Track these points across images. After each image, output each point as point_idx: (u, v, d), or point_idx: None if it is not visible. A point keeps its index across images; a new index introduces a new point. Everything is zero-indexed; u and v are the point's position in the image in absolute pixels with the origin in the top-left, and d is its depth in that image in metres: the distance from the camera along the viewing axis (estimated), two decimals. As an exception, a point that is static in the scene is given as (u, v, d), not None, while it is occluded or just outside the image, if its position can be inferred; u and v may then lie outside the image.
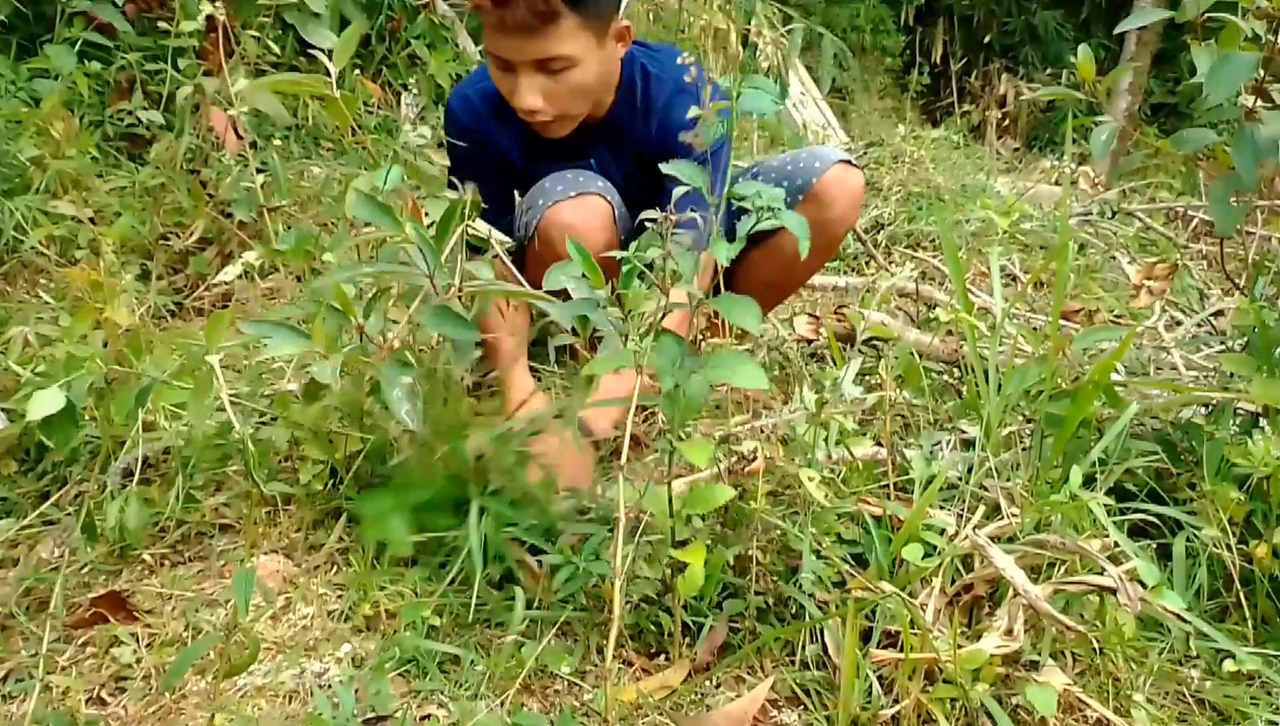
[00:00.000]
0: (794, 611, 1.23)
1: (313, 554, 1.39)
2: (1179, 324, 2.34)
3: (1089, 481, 1.35)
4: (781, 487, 1.37)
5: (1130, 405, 1.42)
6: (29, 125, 2.11)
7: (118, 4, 2.45)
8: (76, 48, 2.40)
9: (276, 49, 2.43)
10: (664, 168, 1.09)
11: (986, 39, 8.11)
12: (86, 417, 1.48)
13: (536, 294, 1.23)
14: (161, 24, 2.46)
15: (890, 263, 2.97)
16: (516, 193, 1.65)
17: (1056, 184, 4.05)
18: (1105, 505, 1.28)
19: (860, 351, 2.07)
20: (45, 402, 1.22)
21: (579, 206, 1.64)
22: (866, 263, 2.98)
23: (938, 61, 8.09)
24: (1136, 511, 1.37)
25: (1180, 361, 1.94)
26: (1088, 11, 8.04)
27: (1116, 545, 1.23)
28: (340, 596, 1.30)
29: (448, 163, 1.83)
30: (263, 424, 1.57)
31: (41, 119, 2.10)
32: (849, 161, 1.80)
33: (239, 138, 2.05)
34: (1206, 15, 1.46)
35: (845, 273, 2.91)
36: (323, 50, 1.83)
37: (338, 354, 1.17)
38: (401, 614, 1.24)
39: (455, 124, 1.76)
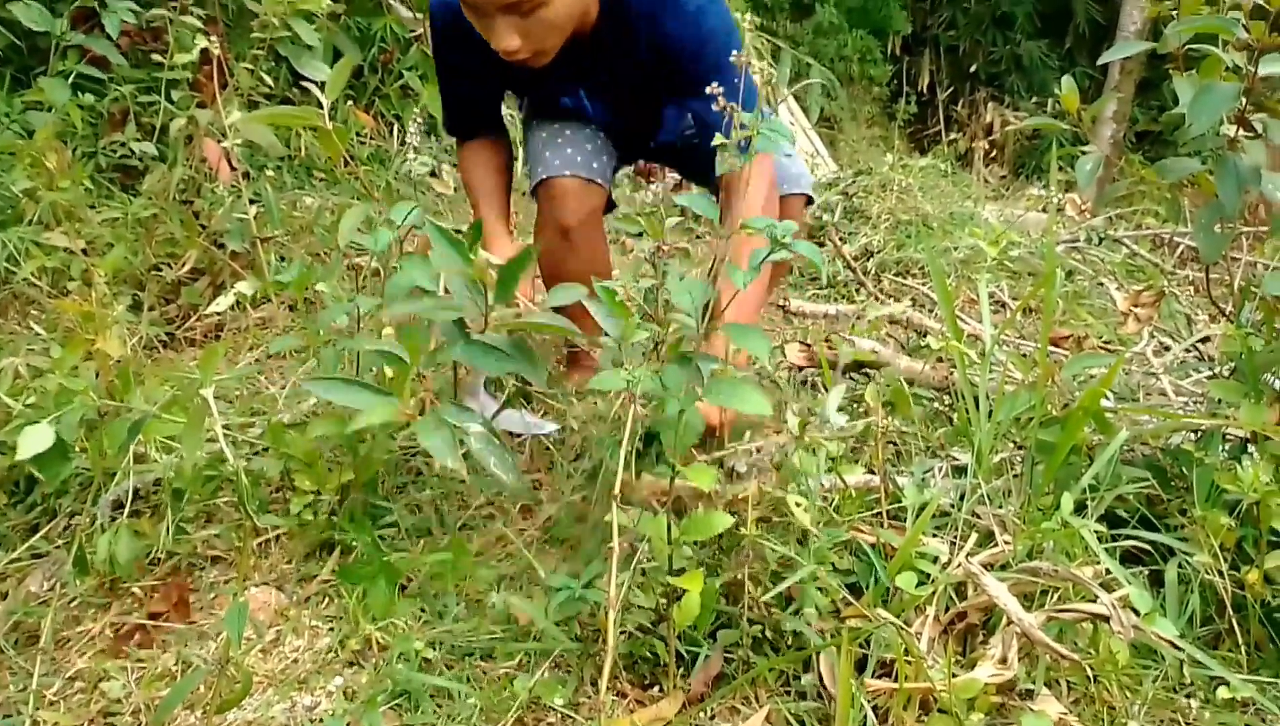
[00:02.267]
0: (789, 641, 1.23)
1: (304, 586, 1.38)
2: (1167, 350, 2.36)
3: (1080, 508, 1.36)
4: (774, 514, 1.38)
5: (1120, 431, 1.42)
6: (22, 157, 2.12)
7: (112, 37, 2.47)
8: (70, 80, 2.41)
9: (270, 81, 2.45)
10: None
11: (972, 68, 8.22)
12: (77, 449, 1.47)
13: (560, 326, 1.27)
14: (155, 57, 2.47)
15: (880, 290, 2.99)
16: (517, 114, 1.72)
17: (1044, 211, 4.09)
18: (1097, 532, 1.28)
19: (852, 378, 2.08)
20: (35, 440, 1.21)
21: (578, 196, 1.74)
22: (856, 290, 3.00)
23: (924, 90, 8.19)
24: (1128, 538, 1.37)
25: (1169, 387, 1.95)
26: (1072, 41, 8.16)
27: (1109, 572, 1.23)
28: (331, 629, 1.30)
29: (445, 192, 1.86)
30: (254, 454, 1.57)
31: (35, 151, 2.11)
32: (808, 196, 1.90)
33: (232, 169, 2.06)
34: (1188, 45, 1.49)
35: (835, 300, 2.93)
36: (316, 82, 1.85)
37: (441, 422, 1.15)
38: (393, 646, 1.24)
39: (439, 25, 1.75)
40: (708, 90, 1.10)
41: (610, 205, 1.90)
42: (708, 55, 1.59)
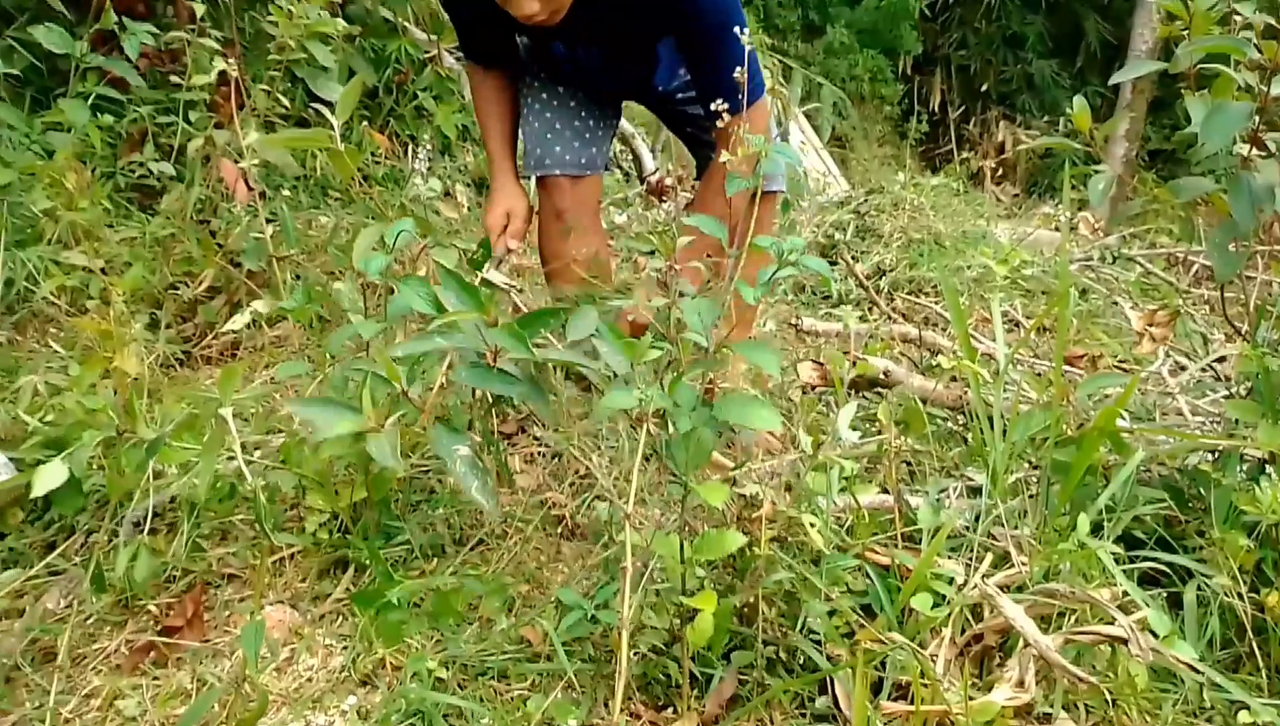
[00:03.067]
0: (803, 662, 1.22)
1: (318, 604, 1.39)
2: (1183, 369, 2.35)
3: (1097, 529, 1.35)
4: (787, 534, 1.37)
5: (1137, 452, 1.42)
6: (42, 177, 2.14)
7: (131, 59, 2.50)
8: (90, 101, 2.44)
9: (286, 102, 2.47)
10: None
11: (984, 87, 8.24)
12: (94, 468, 1.48)
13: (575, 360, 1.28)
14: (174, 78, 2.50)
15: (893, 308, 2.99)
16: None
17: (1056, 230, 4.08)
18: (1114, 553, 1.27)
19: (865, 397, 2.07)
20: (49, 477, 1.22)
21: (572, 191, 1.88)
22: (869, 308, 3.00)
23: (936, 110, 8.21)
24: (1145, 559, 1.36)
25: (1185, 407, 1.94)
26: (1083, 60, 8.17)
27: (1126, 594, 1.22)
28: (345, 648, 1.30)
29: (454, 215, 1.89)
30: (268, 470, 1.58)
31: (54, 171, 2.14)
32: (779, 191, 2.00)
33: (249, 189, 2.08)
34: (1200, 65, 1.49)
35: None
36: (330, 103, 1.87)
37: (394, 431, 1.19)
38: (406, 665, 1.24)
39: None
40: (713, 106, 1.13)
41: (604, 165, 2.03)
42: (706, 23, 1.60)
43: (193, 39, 2.48)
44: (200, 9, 2.48)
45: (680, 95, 1.92)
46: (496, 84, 1.91)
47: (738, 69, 1.18)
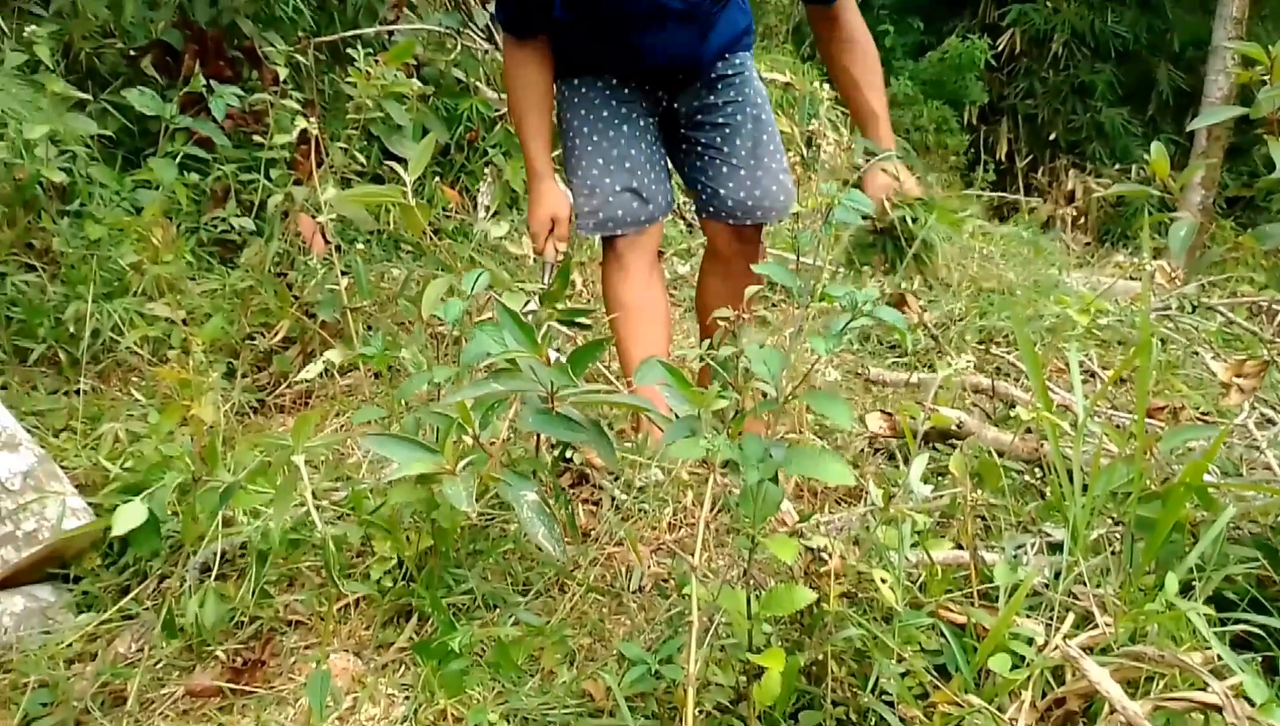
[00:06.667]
0: (874, 724, 1.18)
1: (381, 653, 1.39)
2: (1271, 423, 2.24)
3: (1185, 589, 1.28)
4: (857, 590, 1.33)
5: (1226, 508, 1.35)
6: (130, 233, 2.24)
7: (217, 120, 2.62)
8: (177, 160, 2.56)
9: (362, 159, 2.55)
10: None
11: (1052, 136, 8.14)
12: (169, 513, 1.52)
13: (630, 402, 1.28)
14: (256, 138, 2.61)
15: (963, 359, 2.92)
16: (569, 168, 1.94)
17: (1132, 278, 3.97)
18: (1205, 615, 1.21)
19: (936, 449, 2.02)
20: (129, 517, 1.25)
21: (638, 246, 1.94)
22: (939, 357, 2.94)
23: (1003, 159, 8.13)
24: (1238, 621, 1.29)
25: (1275, 462, 1.85)
26: (1154, 108, 8.03)
27: (1219, 658, 1.16)
28: (408, 698, 1.29)
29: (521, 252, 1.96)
30: (337, 518, 1.60)
31: (142, 227, 2.23)
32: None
33: (325, 242, 2.14)
34: (1282, 110, 1.45)
35: (916, 368, 2.87)
36: (404, 160, 1.93)
37: (469, 475, 1.20)
38: (468, 717, 1.22)
39: None
40: None
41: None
42: None
43: (275, 100, 2.59)
44: (283, 72, 2.59)
45: (711, 80, 1.92)
46: (536, 63, 1.87)
47: None
